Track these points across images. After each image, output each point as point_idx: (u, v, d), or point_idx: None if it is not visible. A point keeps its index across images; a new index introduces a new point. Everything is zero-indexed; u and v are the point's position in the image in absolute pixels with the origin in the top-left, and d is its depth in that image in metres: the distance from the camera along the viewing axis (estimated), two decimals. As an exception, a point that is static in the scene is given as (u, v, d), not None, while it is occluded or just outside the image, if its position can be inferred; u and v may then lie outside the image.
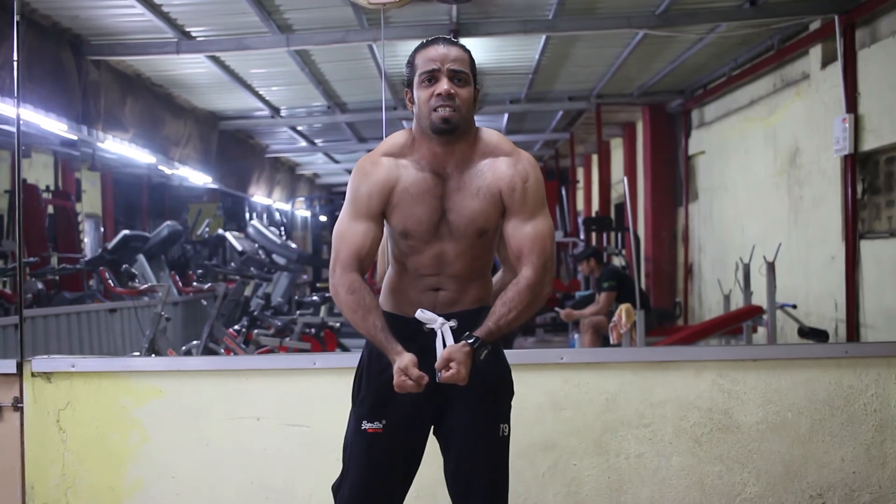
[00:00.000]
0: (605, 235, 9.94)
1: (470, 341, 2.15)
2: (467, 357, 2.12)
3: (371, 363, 2.33)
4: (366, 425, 2.29)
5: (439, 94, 2.21)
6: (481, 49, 7.13)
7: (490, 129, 2.38)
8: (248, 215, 15.27)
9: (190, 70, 7.51)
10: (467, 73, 2.27)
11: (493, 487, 2.27)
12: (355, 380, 2.38)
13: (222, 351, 6.07)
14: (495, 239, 2.37)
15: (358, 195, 2.29)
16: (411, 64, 2.30)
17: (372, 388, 2.31)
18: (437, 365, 2.13)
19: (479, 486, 2.26)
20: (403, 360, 2.14)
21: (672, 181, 9.97)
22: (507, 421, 2.33)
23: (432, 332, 2.22)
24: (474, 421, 2.28)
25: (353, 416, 2.34)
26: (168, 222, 9.63)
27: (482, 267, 2.37)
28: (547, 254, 2.26)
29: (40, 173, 10.58)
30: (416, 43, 2.36)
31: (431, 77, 2.23)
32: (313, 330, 6.66)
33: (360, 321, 2.21)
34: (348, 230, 2.28)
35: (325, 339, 6.70)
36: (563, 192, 13.13)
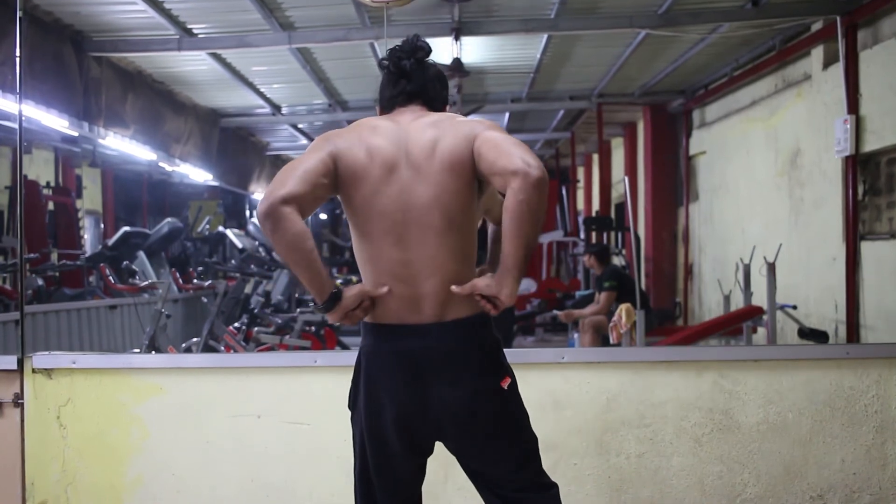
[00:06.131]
0: (605, 235, 9.94)
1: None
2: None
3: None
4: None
5: None
6: (483, 48, 7.13)
7: None
8: (248, 213, 15.28)
9: (191, 67, 7.51)
10: None
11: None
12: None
13: (222, 348, 6.07)
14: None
15: None
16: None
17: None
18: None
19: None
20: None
21: (673, 181, 9.97)
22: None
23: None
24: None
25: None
26: (168, 219, 9.64)
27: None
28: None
29: (41, 169, 10.59)
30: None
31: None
32: (313, 328, 6.66)
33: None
34: None
35: (325, 337, 6.70)
36: (564, 192, 13.14)
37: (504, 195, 2.01)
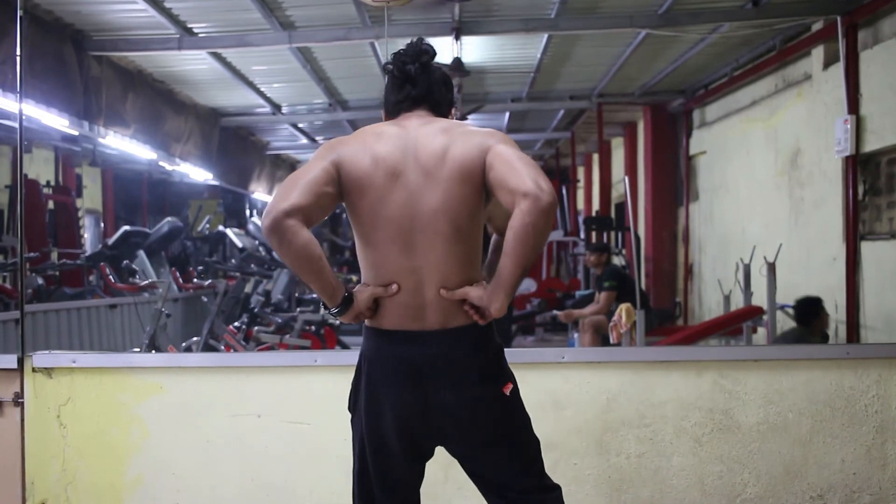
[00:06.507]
0: (605, 235, 9.94)
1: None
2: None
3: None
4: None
5: None
6: (483, 47, 7.13)
7: None
8: (248, 212, 15.28)
9: (191, 66, 7.51)
10: None
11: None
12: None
13: (222, 348, 6.07)
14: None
15: None
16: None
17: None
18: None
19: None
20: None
21: (673, 181, 9.97)
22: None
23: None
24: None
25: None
26: (168, 218, 9.64)
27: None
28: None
29: (41, 168, 10.59)
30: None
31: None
32: (313, 327, 6.66)
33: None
34: None
35: (325, 337, 6.70)
36: (564, 192, 13.15)
37: (507, 208, 2.03)
